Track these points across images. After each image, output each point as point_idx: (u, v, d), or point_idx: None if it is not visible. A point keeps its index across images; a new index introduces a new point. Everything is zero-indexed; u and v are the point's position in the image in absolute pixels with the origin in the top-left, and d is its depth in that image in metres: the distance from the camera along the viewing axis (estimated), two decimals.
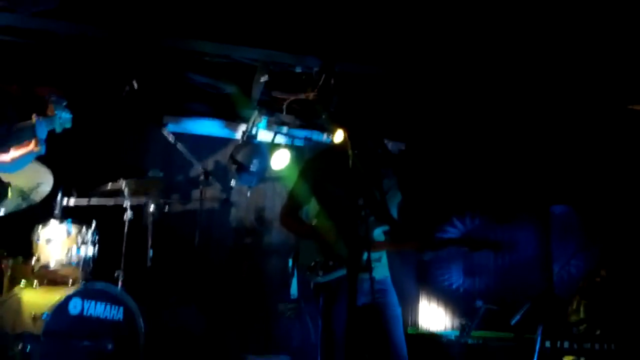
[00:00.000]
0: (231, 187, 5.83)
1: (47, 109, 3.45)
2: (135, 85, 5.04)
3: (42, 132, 3.35)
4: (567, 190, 5.95)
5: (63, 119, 3.42)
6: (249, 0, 4.68)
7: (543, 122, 5.79)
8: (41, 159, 3.88)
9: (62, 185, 4.42)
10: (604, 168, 5.79)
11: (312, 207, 3.58)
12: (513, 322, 4.56)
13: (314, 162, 3.65)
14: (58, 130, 3.45)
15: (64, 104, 3.44)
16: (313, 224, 3.46)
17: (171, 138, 5.17)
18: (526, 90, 5.52)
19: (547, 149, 5.92)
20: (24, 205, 4.32)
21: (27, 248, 4.36)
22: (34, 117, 3.37)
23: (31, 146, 3.33)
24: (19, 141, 3.40)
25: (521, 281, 5.91)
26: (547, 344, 4.12)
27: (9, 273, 4.38)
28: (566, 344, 4.11)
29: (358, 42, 5.04)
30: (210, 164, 5.90)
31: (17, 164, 3.36)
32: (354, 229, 2.86)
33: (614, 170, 5.75)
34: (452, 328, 6.03)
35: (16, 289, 4.29)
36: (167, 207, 5.10)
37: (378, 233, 3.41)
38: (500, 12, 4.65)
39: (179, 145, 5.20)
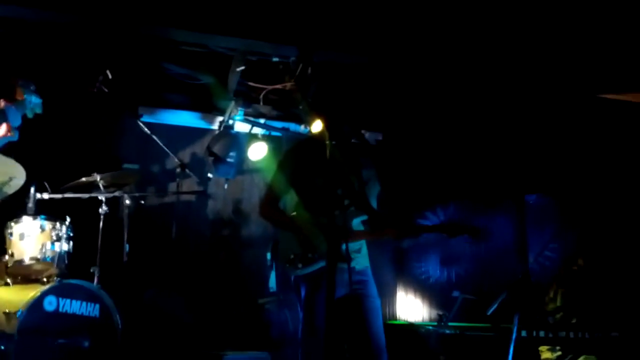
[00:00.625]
0: (208, 179, 5.78)
1: (15, 94, 3.39)
2: (109, 75, 4.96)
3: (14, 118, 3.29)
4: (542, 178, 6.01)
5: (33, 103, 3.37)
6: None
7: (516, 112, 5.83)
8: (13, 153, 3.80)
9: (35, 180, 4.33)
10: (578, 156, 5.86)
11: (290, 198, 3.56)
12: (489, 311, 4.58)
13: (292, 152, 3.62)
14: (29, 115, 3.40)
15: (32, 87, 3.38)
16: (292, 215, 3.44)
17: (146, 129, 5.10)
18: (500, 81, 5.55)
19: (521, 138, 5.97)
20: None
21: (0, 244, 4.28)
22: (2, 103, 3.31)
23: (3, 131, 3.27)
24: None
25: (498, 270, 5.95)
26: (524, 333, 4.15)
27: None
28: (542, 334, 4.16)
29: (336, 31, 5.01)
30: (186, 156, 5.84)
31: None
32: (332, 219, 2.84)
33: (587, 158, 5.83)
34: (430, 319, 6.07)
35: None
36: (143, 200, 5.05)
37: (357, 223, 3.40)
38: (474, 2, 4.67)
39: (155, 137, 5.14)
